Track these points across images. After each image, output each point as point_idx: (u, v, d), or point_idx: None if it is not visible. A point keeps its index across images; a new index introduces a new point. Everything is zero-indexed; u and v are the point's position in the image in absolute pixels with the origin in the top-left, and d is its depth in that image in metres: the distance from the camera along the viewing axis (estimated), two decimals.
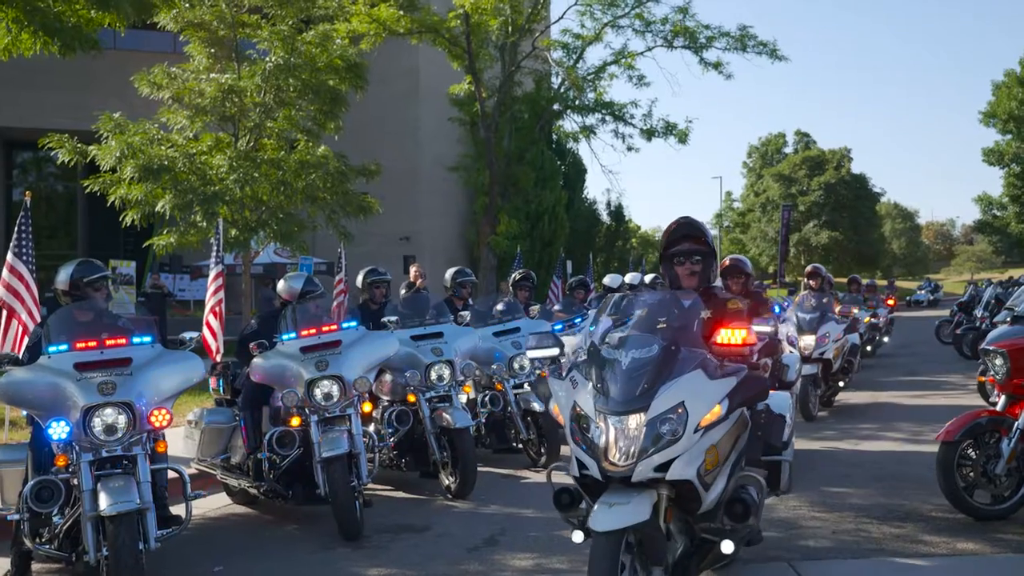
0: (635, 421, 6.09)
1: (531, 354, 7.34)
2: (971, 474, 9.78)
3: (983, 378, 16.59)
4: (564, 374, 6.69)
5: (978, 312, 27.15)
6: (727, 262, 12.89)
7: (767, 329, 11.29)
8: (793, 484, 7.63)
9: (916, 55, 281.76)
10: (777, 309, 19.84)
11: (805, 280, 19.61)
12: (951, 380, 22.72)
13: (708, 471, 6.24)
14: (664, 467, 6.03)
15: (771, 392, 7.97)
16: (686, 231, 7.76)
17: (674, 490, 6.20)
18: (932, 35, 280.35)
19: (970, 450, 9.83)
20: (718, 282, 12.15)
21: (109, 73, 32.42)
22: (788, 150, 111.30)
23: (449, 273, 15.60)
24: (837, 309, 18.82)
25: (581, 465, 6.26)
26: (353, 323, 11.23)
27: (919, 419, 16.52)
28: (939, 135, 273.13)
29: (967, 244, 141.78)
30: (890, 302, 34.15)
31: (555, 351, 7.23)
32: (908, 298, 69.41)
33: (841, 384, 18.83)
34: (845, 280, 29.34)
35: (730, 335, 6.48)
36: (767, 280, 68.00)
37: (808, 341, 17.49)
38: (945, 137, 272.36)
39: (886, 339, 31.91)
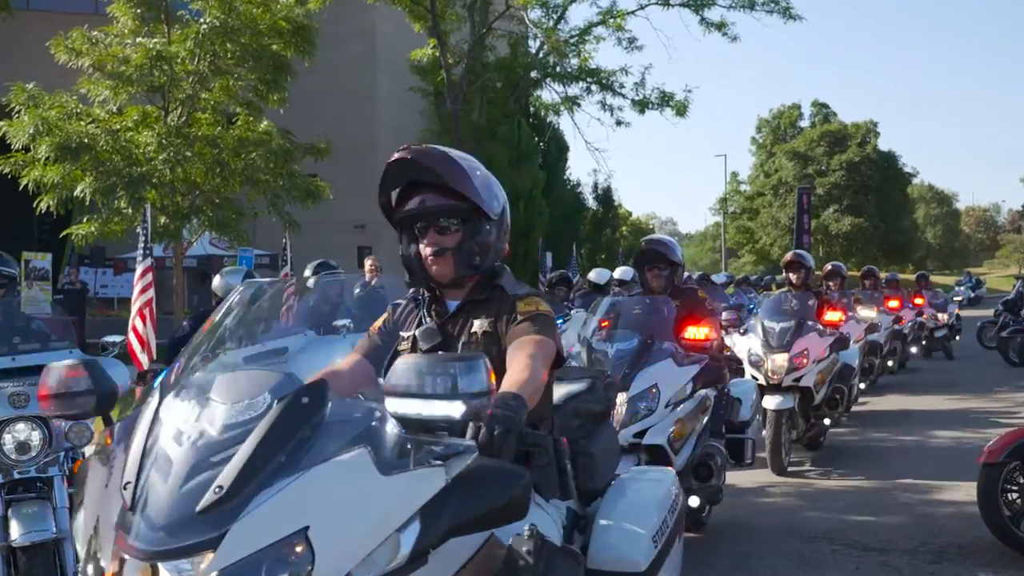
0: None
1: None
2: (1018, 501, 9.55)
3: None
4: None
5: None
6: (643, 246, 11.42)
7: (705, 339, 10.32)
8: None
9: (952, 14, 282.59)
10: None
11: (784, 274, 16.52)
12: (995, 391, 22.53)
13: None
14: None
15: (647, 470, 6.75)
16: (410, 172, 5.04)
17: None
18: None
19: (1017, 473, 9.58)
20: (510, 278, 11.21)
21: (21, 37, 32.36)
22: (804, 124, 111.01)
23: None
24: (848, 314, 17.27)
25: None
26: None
27: (957, 437, 16.51)
28: (981, 106, 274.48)
29: (1014, 232, 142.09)
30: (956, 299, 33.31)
31: None
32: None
33: (827, 422, 15.50)
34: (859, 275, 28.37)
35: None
36: (780, 275, 67.82)
37: (778, 361, 14.28)
38: (988, 108, 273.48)
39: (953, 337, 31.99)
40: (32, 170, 21.43)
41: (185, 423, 3.72)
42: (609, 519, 5.12)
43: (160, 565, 3.38)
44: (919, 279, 33.35)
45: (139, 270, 15.28)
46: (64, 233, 23.56)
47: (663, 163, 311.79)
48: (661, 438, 9.23)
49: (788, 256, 16.46)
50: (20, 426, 7.95)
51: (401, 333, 5.06)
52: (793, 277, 15.89)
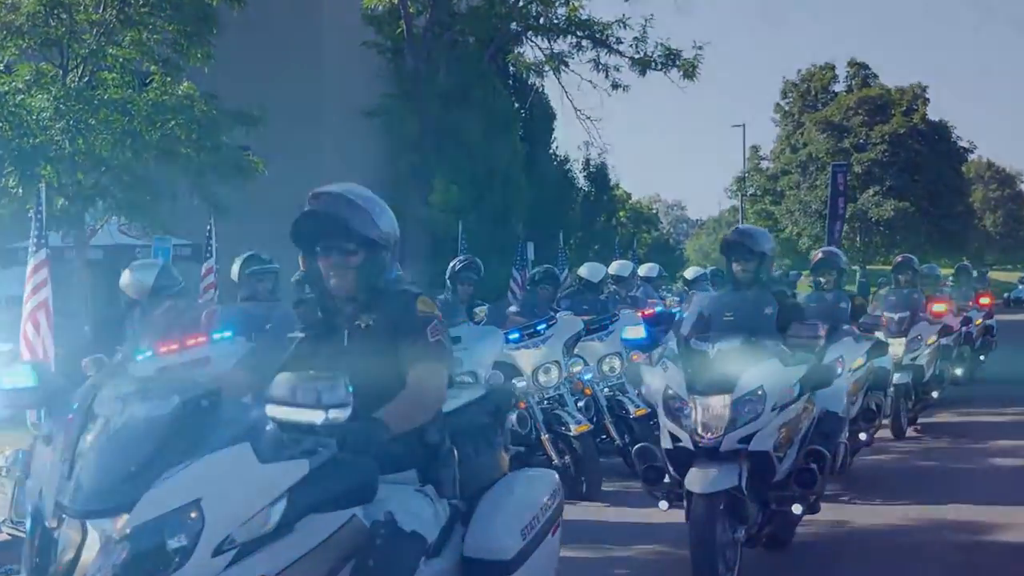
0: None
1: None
2: None
3: None
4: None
5: None
6: (305, 209, 6.79)
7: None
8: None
9: None
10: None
11: (725, 264, 11.97)
12: None
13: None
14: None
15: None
16: None
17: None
18: None
19: None
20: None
21: None
22: (839, 88, 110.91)
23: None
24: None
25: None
26: (228, 333, 11.05)
27: (1017, 469, 16.52)
28: None
29: None
30: (984, 301, 30.62)
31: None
32: (1007, 295, 69.78)
33: (798, 510, 10.51)
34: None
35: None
36: (804, 272, 67.91)
37: (715, 408, 9.93)
38: None
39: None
40: None
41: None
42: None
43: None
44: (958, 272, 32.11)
45: (32, 263, 15.16)
46: None
47: (669, 135, 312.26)
48: None
49: (729, 234, 12.24)
50: None
51: None
52: (737, 267, 11.58)
